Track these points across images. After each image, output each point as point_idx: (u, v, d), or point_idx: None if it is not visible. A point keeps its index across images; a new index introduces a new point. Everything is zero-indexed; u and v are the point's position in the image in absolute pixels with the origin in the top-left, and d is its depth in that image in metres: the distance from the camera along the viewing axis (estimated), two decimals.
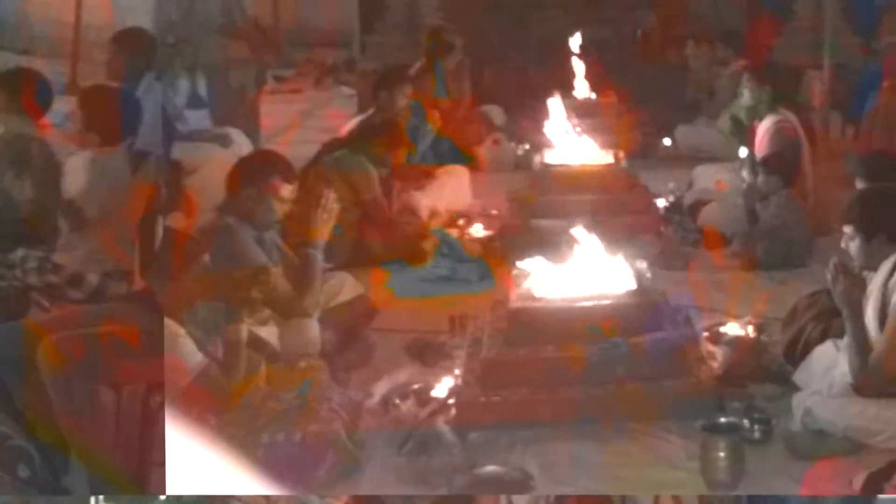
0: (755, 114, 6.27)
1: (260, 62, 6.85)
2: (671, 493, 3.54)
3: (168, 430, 3.31)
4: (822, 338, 3.93)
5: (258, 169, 4.28)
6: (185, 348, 3.54)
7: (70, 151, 4.49)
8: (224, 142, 5.90)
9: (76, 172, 4.36)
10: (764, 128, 6.08)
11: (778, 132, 5.99)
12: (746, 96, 6.45)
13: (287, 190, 4.22)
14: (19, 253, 4.35)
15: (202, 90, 7.10)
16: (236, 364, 3.50)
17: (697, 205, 5.97)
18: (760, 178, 5.56)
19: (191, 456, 3.25)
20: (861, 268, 3.66)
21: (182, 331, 3.56)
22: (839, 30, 7.39)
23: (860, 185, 4.52)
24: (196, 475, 3.26)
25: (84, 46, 9.37)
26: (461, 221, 5.97)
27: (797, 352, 3.98)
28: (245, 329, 3.57)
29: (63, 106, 5.01)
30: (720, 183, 6.21)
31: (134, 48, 5.59)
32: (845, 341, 3.61)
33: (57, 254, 4.34)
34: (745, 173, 5.79)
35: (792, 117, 6.07)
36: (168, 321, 3.57)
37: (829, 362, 3.76)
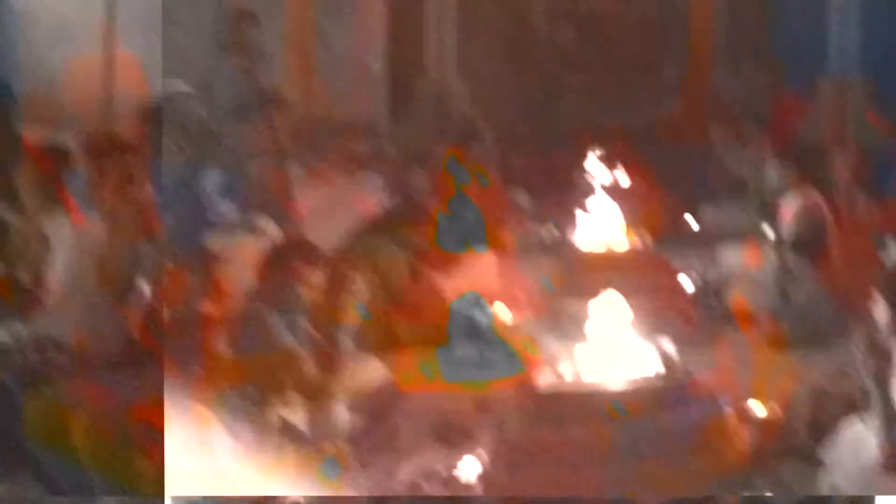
0: (780, 192, 6.30)
1: (281, 148, 6.85)
2: None
3: (168, 430, 3.33)
4: (849, 415, 3.91)
5: (286, 256, 4.37)
6: (215, 433, 3.59)
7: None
8: (255, 230, 5.95)
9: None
10: (790, 206, 6.11)
11: (804, 211, 6.00)
12: (772, 175, 6.48)
13: (315, 275, 4.30)
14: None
15: (234, 179, 7.16)
16: (265, 448, 3.54)
17: (723, 283, 5.99)
18: (790, 258, 5.59)
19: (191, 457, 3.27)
20: (888, 340, 3.66)
21: (212, 415, 3.61)
22: (863, 110, 7.46)
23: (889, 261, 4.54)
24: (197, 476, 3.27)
25: None
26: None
27: (824, 429, 3.96)
28: (275, 414, 3.62)
29: None
30: (749, 260, 6.22)
31: None
32: (873, 417, 3.60)
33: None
34: (771, 252, 5.81)
35: (817, 196, 6.10)
36: (199, 406, 3.62)
37: (857, 439, 3.74)
